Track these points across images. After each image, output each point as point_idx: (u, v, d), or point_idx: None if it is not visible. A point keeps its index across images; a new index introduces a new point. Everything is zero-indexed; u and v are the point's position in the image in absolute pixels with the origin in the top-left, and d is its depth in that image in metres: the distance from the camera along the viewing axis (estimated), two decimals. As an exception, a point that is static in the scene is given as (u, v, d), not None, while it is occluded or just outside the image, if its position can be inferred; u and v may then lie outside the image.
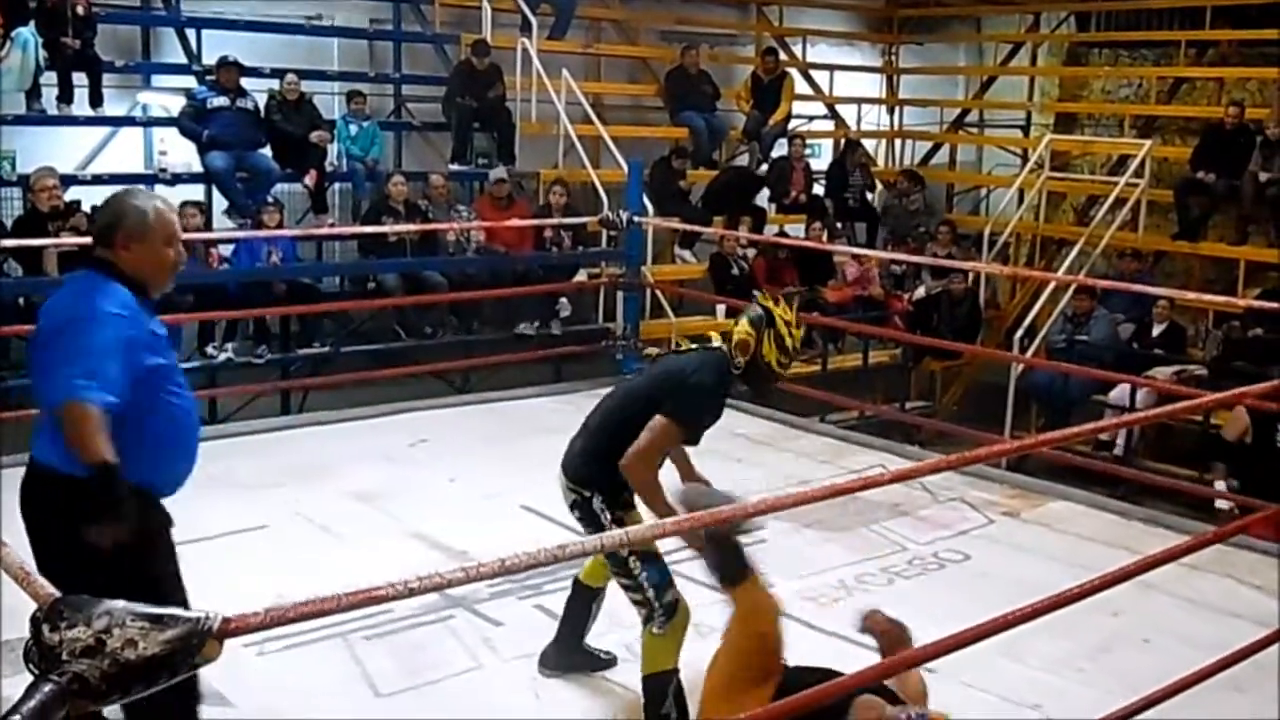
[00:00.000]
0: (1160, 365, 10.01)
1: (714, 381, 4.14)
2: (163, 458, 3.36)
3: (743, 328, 4.19)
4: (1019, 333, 10.81)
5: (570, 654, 4.58)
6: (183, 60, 10.93)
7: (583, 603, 4.54)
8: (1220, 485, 7.36)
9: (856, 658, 4.34)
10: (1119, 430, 9.47)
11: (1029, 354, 10.42)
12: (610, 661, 4.62)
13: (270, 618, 2.00)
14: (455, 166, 11.40)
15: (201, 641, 1.92)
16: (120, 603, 1.91)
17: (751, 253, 11.68)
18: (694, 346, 4.41)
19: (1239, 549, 5.89)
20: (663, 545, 3.94)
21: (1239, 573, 5.73)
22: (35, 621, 1.93)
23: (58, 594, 2.01)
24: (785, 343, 4.19)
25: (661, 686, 4.08)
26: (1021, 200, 13.18)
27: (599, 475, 4.14)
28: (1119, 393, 9.60)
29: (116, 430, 3.07)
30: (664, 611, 4.04)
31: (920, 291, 11.99)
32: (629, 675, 4.51)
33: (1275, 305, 8.50)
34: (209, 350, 9.02)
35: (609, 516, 4.12)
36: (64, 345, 3.15)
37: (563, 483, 4.24)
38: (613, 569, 4.15)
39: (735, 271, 11.39)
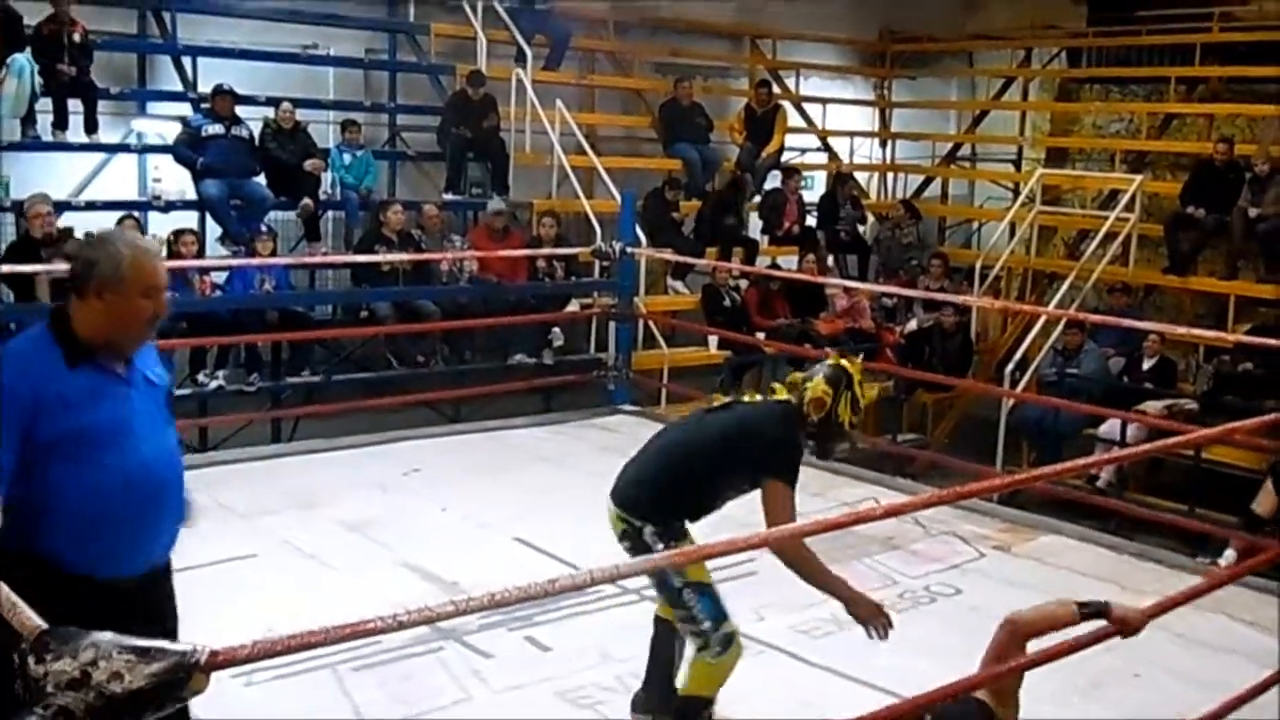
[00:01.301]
0: (1151, 399, 10.02)
1: (796, 437, 4.17)
2: (78, 530, 3.01)
3: (819, 385, 4.18)
4: (1010, 366, 10.83)
5: (661, 695, 4.43)
6: (178, 88, 10.93)
7: (665, 640, 4.41)
8: (1231, 553, 7.35)
9: (843, 691, 4.35)
10: (1110, 465, 9.47)
11: (1020, 388, 10.43)
12: None
13: (258, 650, 1.99)
14: (449, 196, 11.42)
15: (188, 675, 1.90)
16: (108, 635, 1.90)
17: (744, 284, 11.70)
18: (760, 398, 4.40)
19: (1235, 586, 5.88)
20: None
21: (1233, 609, 5.71)
22: (21, 654, 1.91)
23: (44, 625, 2.00)
24: (860, 403, 4.24)
25: (695, 711, 4.08)
26: (1013, 234, 13.24)
27: (651, 506, 4.11)
28: (1109, 427, 9.61)
29: (22, 492, 2.94)
30: (720, 643, 4.02)
31: (912, 324, 12.02)
32: (618, 708, 4.49)
33: (1265, 340, 8.55)
34: (200, 378, 9.00)
35: (661, 547, 4.07)
36: None
37: (612, 512, 4.19)
38: (666, 600, 4.12)
39: (727, 303, 11.40)
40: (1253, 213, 11.36)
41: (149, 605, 3.17)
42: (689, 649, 4.11)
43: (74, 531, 3.00)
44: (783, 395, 4.27)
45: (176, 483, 3.26)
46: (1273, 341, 8.62)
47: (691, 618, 4.02)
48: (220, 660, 1.93)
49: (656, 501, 4.11)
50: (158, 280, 3.10)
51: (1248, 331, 10.19)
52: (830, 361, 4.28)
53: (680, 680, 4.13)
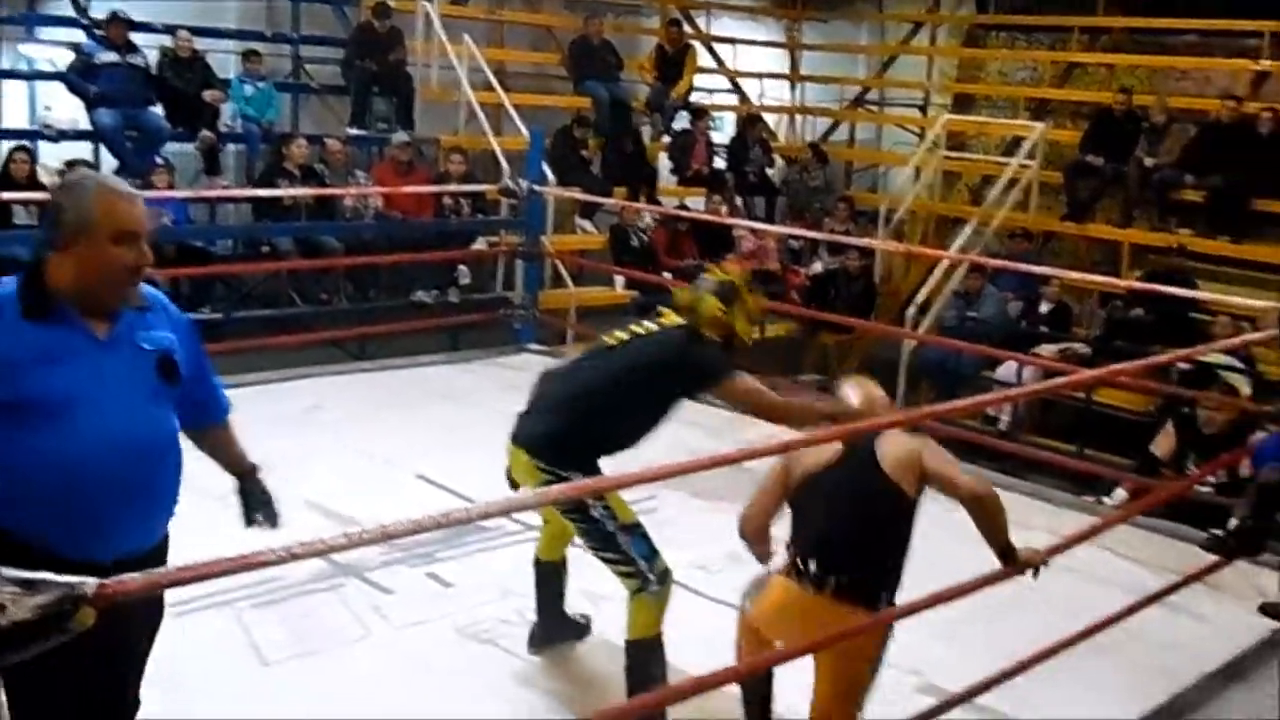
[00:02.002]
0: (1046, 343, 10.26)
1: (709, 348, 4.11)
2: (27, 507, 2.70)
3: (713, 304, 4.10)
4: (912, 309, 10.99)
5: (556, 624, 4.54)
6: (70, 13, 10.61)
7: (550, 577, 4.49)
8: (1120, 493, 7.57)
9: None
10: (1004, 406, 9.70)
11: (921, 330, 10.60)
12: (588, 626, 4.63)
13: (147, 583, 1.98)
14: (353, 131, 11.25)
15: (75, 607, 1.89)
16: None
17: (651, 223, 11.71)
18: (654, 327, 4.22)
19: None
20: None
21: (1112, 543, 5.91)
22: (-96, 585, 1.89)
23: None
24: (753, 315, 4.21)
25: (648, 653, 4.10)
26: (918, 179, 13.39)
27: (578, 456, 4.02)
28: (1007, 369, 9.82)
29: None
30: (658, 580, 4.04)
31: (817, 267, 12.13)
32: (518, 641, 4.54)
33: (1155, 286, 8.78)
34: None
35: (592, 498, 4.00)
36: None
37: (526, 463, 4.09)
38: (593, 547, 4.08)
39: (635, 243, 11.41)
40: (1148, 162, 11.62)
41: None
42: (625, 593, 4.09)
43: (23, 507, 2.68)
44: (674, 320, 4.18)
45: (157, 462, 2.93)
46: (1163, 288, 8.86)
47: (627, 559, 4.01)
48: (108, 593, 1.93)
49: (583, 451, 4.04)
50: (132, 224, 2.77)
51: (1140, 278, 10.45)
52: (714, 278, 4.20)
53: (628, 629, 4.12)
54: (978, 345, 9.61)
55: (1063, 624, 4.42)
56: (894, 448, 3.71)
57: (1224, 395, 7.58)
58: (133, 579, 1.96)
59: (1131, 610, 4.52)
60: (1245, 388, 8.65)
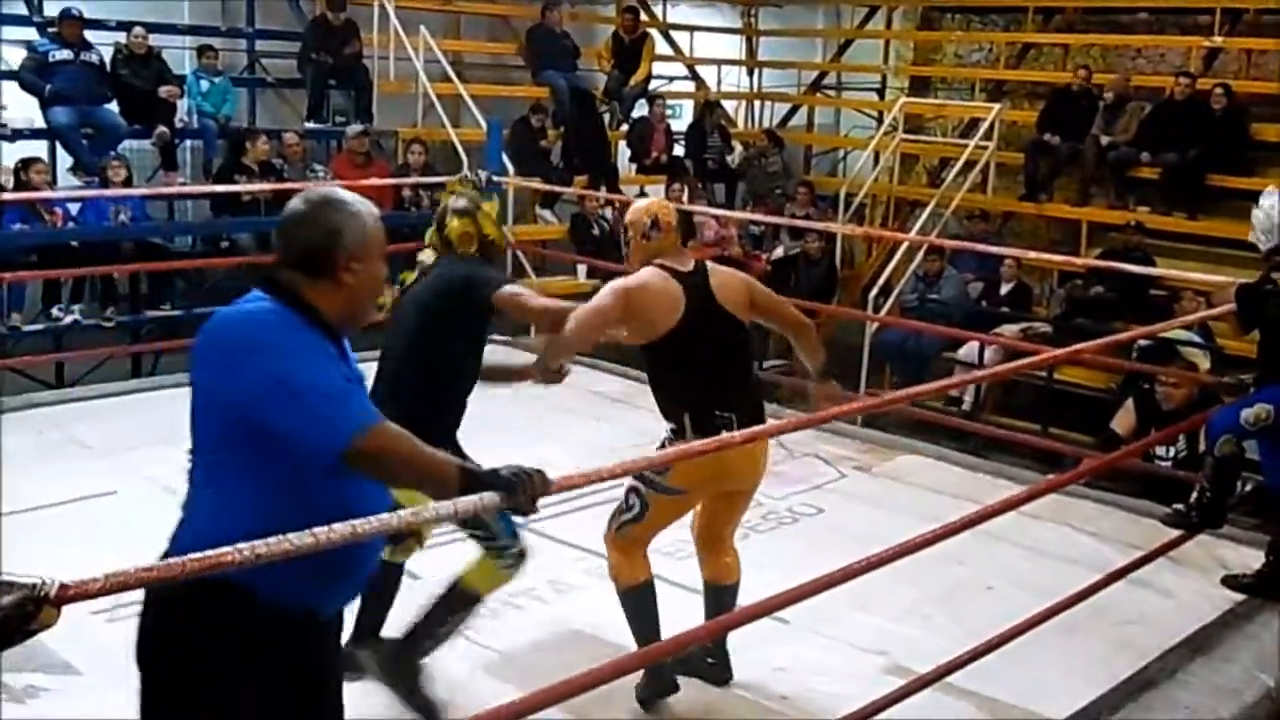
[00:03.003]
0: (1007, 323, 10.33)
1: (472, 267, 4.17)
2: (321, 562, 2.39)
3: (456, 225, 4.21)
4: (874, 292, 11.04)
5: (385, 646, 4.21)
6: (23, 11, 10.48)
7: (386, 586, 4.20)
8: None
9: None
10: (967, 386, 9.76)
11: (883, 313, 10.66)
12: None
13: (111, 584, 1.97)
14: (311, 125, 11.18)
15: (37, 608, 1.87)
16: (-47, 572, 1.86)
17: (612, 213, 11.71)
18: (420, 275, 4.30)
19: (1076, 499, 6.16)
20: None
21: (1076, 521, 5.99)
22: None
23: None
24: (494, 215, 4.33)
25: (466, 603, 4.09)
26: (877, 162, 13.44)
27: (438, 432, 3.83)
28: (968, 350, 9.88)
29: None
30: (514, 559, 4.06)
31: (778, 251, 12.16)
32: (485, 634, 4.54)
33: (1114, 264, 8.86)
34: (54, 312, 8.73)
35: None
36: None
37: None
38: (468, 527, 4.05)
39: (596, 232, 11.41)
40: (1105, 140, 11.71)
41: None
42: (477, 552, 4.08)
43: (313, 568, 2.35)
44: (431, 256, 4.30)
45: None
46: (1121, 265, 8.94)
47: (491, 536, 4.02)
48: (71, 594, 1.91)
49: (437, 423, 3.91)
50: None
51: (1098, 256, 10.54)
52: (445, 205, 4.29)
53: (463, 574, 4.08)
54: (939, 326, 9.67)
55: (1029, 602, 4.46)
56: (725, 283, 4.14)
57: (1183, 371, 7.65)
58: (95, 581, 1.94)
59: (1096, 588, 4.57)
60: (1204, 363, 8.74)
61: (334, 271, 2.55)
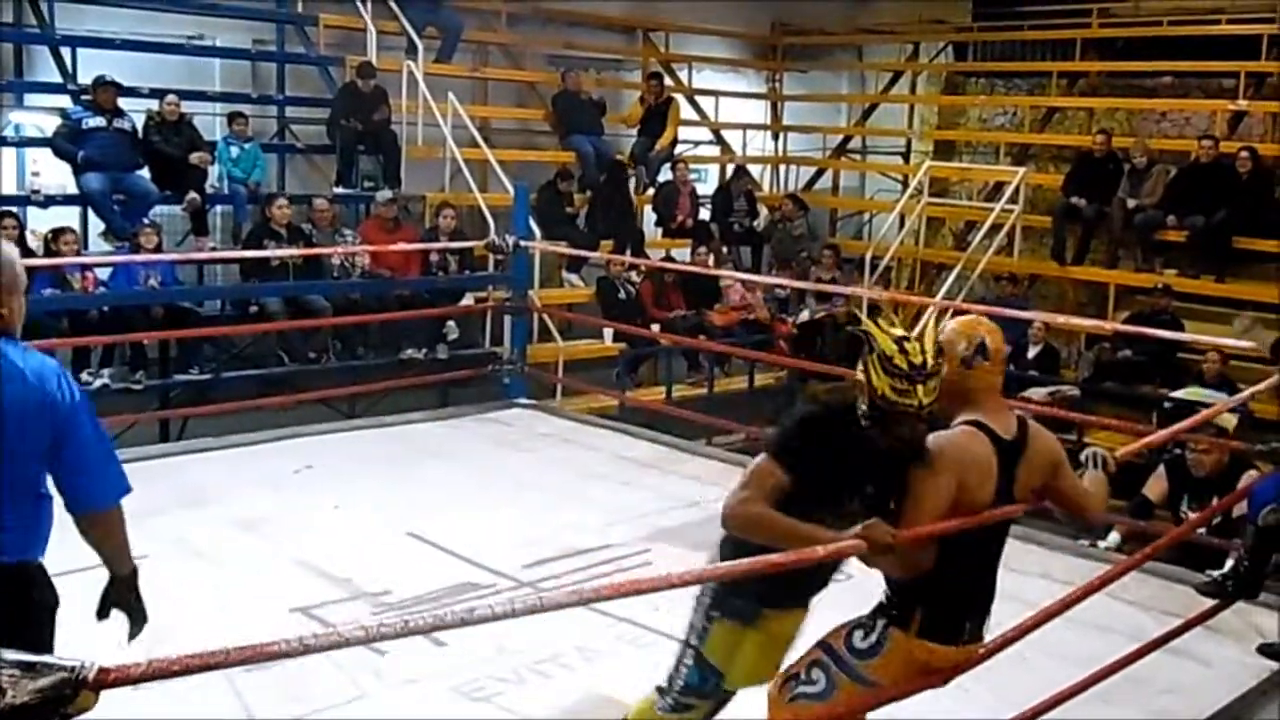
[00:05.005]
0: (1035, 386, 10.27)
1: (818, 414, 3.36)
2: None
3: (857, 371, 3.26)
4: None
5: None
6: (57, 79, 10.65)
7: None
8: (1115, 536, 7.55)
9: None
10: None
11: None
12: None
13: (152, 669, 1.94)
14: (340, 190, 11.29)
15: (75, 692, 1.85)
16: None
17: (638, 277, 11.75)
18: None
19: (1111, 566, 6.07)
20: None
21: (1115, 589, 5.88)
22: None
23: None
24: (894, 361, 3.13)
25: None
26: (902, 225, 13.47)
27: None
28: (996, 414, 9.81)
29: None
30: (673, 704, 3.66)
31: (804, 315, 12.16)
32: (513, 700, 4.49)
33: (1141, 329, 8.81)
34: (84, 376, 8.78)
35: (701, 619, 3.59)
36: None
37: None
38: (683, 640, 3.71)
39: (622, 295, 11.44)
40: (1131, 203, 11.71)
41: None
42: (652, 689, 3.78)
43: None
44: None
45: None
46: (1148, 330, 8.90)
47: (676, 669, 3.67)
48: (110, 679, 1.89)
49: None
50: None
51: (1126, 320, 10.51)
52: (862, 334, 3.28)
53: (631, 710, 3.89)
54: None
55: (1064, 672, 4.39)
56: (1040, 459, 3.34)
57: (1213, 437, 7.56)
58: (136, 667, 1.92)
59: (1134, 657, 4.49)
60: (1232, 423, 8.65)
61: None
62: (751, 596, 3.45)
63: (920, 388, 3.12)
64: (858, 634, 3.42)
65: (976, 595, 3.40)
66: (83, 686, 1.87)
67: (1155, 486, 7.35)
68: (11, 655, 1.83)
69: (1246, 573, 5.09)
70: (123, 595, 3.26)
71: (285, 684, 4.63)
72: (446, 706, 4.54)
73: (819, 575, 3.52)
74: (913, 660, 3.35)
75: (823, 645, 3.48)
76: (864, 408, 3.20)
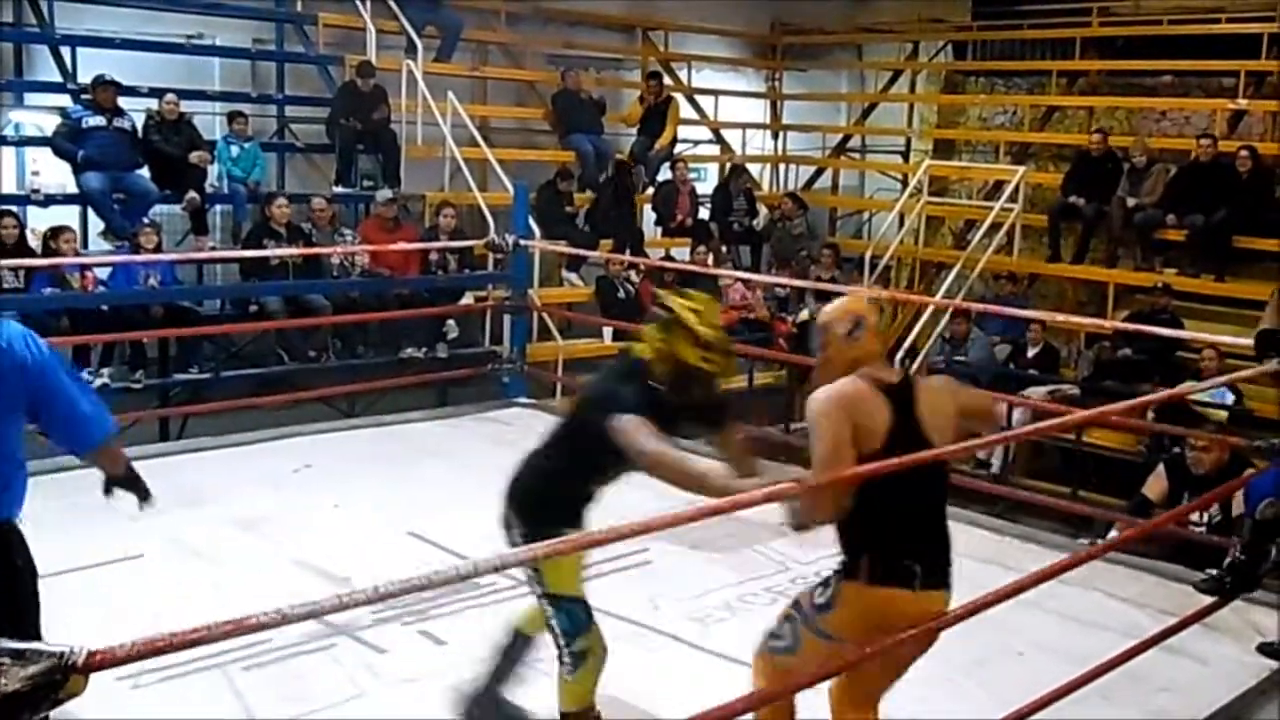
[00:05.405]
0: (1035, 385, 10.28)
1: (630, 387, 3.75)
2: None
3: (653, 337, 3.77)
4: (900, 354, 11.02)
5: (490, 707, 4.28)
6: (57, 78, 10.67)
7: (509, 652, 4.23)
8: (1114, 535, 7.57)
9: (738, 676, 4.40)
10: (995, 449, 9.70)
11: (909, 375, 10.61)
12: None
13: (137, 650, 1.96)
14: (339, 189, 11.30)
15: (65, 677, 1.87)
16: (-20, 639, 1.86)
17: (637, 276, 11.75)
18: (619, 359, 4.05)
19: (1107, 564, 6.07)
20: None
21: (1107, 586, 5.91)
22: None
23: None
24: (699, 333, 3.68)
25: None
26: (902, 224, 13.47)
27: (538, 518, 3.88)
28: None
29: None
30: (571, 660, 3.91)
31: (804, 314, 12.16)
32: (513, 697, 4.50)
33: (1141, 327, 8.82)
34: (84, 376, 8.78)
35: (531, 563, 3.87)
36: None
37: (500, 516, 3.99)
38: (547, 617, 3.94)
39: (621, 294, 11.44)
40: (1131, 202, 11.72)
41: None
42: (555, 666, 3.98)
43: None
44: (642, 348, 3.86)
45: None
46: (1148, 328, 8.91)
47: (550, 629, 3.91)
48: (98, 661, 1.90)
49: (531, 511, 3.92)
50: None
51: (1126, 318, 10.52)
52: (660, 308, 3.85)
53: (557, 701, 4.02)
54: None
55: (1060, 669, 4.40)
56: (932, 401, 3.53)
57: (1213, 435, 7.57)
58: (122, 648, 1.93)
59: (1129, 655, 4.50)
60: (1224, 418, 8.69)
61: None
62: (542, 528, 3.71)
63: (719, 355, 3.73)
64: (818, 590, 3.58)
65: (919, 537, 3.50)
66: (72, 671, 1.88)
67: (1155, 485, 7.36)
68: (1, 644, 1.84)
69: (1244, 567, 5.10)
70: (123, 480, 3.85)
71: (284, 683, 4.64)
72: (445, 706, 4.54)
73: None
74: (870, 612, 3.45)
75: (794, 602, 3.67)
76: (667, 373, 3.72)
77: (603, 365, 4.14)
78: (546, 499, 3.93)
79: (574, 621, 3.88)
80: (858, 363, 3.51)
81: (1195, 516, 6.96)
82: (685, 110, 14.65)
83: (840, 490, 3.37)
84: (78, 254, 9.09)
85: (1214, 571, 5.37)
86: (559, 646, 3.92)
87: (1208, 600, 5.21)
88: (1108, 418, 6.62)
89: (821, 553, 6.28)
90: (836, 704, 3.65)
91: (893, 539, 3.45)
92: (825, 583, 3.57)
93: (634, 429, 3.56)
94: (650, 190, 13.50)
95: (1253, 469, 6.28)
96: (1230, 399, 9.27)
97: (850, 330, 3.55)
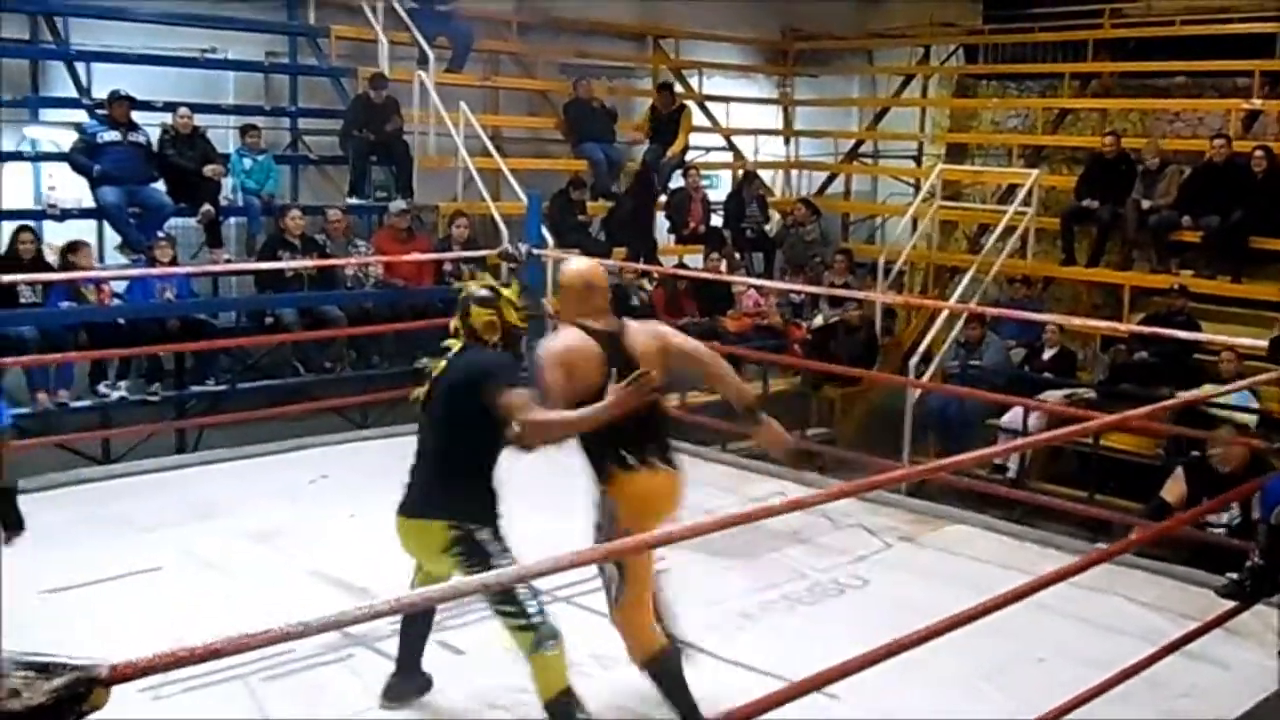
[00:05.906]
0: (1051, 389, 10.24)
1: (492, 357, 4.32)
2: None
3: (481, 314, 4.36)
4: (914, 359, 11.00)
5: (411, 679, 4.63)
6: (72, 94, 10.72)
7: (418, 625, 4.62)
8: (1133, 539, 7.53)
9: (753, 684, 4.40)
10: (1012, 454, 9.67)
11: (924, 379, 10.60)
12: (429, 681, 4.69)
13: (160, 661, 1.96)
14: (353, 200, 11.32)
15: (89, 690, 1.87)
16: (3, 652, 1.86)
17: (650, 284, 11.75)
18: (444, 361, 4.43)
19: (1126, 568, 6.06)
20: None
21: (1128, 591, 5.88)
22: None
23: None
24: (514, 300, 4.46)
25: (566, 707, 4.08)
26: (915, 229, 13.44)
27: (477, 509, 4.22)
28: (1012, 416, 9.80)
29: None
30: (549, 632, 4.08)
31: (818, 320, 12.14)
32: (532, 709, 4.50)
33: (1157, 330, 8.78)
34: (101, 389, 8.83)
35: (500, 547, 4.17)
36: None
37: (429, 527, 4.24)
38: (495, 603, 4.15)
39: (635, 302, 11.43)
40: (1145, 204, 11.67)
41: None
42: (520, 651, 4.14)
43: None
44: (458, 344, 4.41)
45: None
46: (1164, 331, 8.87)
47: (523, 613, 4.08)
48: (121, 673, 1.91)
49: (478, 503, 4.23)
50: None
51: (1142, 321, 10.48)
52: (467, 293, 4.46)
53: (539, 692, 4.12)
54: (982, 392, 9.60)
55: (1080, 674, 4.38)
56: (641, 339, 4.31)
57: (1236, 436, 7.52)
58: (144, 660, 1.94)
59: (1150, 660, 4.47)
60: (1252, 427, 8.62)
61: None
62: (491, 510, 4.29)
63: (526, 312, 4.55)
64: (597, 513, 4.25)
65: (641, 436, 4.20)
66: (96, 683, 1.88)
67: (1173, 489, 7.32)
68: (24, 658, 1.84)
69: (1261, 571, 5.07)
70: None
71: (304, 695, 4.65)
72: (464, 715, 4.55)
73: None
74: (635, 493, 4.14)
75: (593, 540, 4.20)
76: (498, 341, 4.37)
77: (447, 359, 4.43)
78: (473, 491, 4.26)
79: (539, 599, 4.17)
80: (586, 314, 4.29)
81: (1214, 518, 6.94)
82: (697, 117, 14.65)
83: (558, 423, 4.00)
84: (94, 268, 9.13)
85: (1234, 576, 5.34)
86: (535, 627, 4.09)
87: (1228, 605, 5.18)
88: (1128, 422, 6.59)
89: (839, 559, 6.31)
90: (630, 612, 4.21)
91: (627, 442, 4.16)
92: (598, 501, 4.26)
93: (514, 398, 4.05)
94: (663, 198, 13.49)
95: (1274, 469, 6.24)
96: (1255, 403, 9.22)
97: (583, 288, 4.35)
